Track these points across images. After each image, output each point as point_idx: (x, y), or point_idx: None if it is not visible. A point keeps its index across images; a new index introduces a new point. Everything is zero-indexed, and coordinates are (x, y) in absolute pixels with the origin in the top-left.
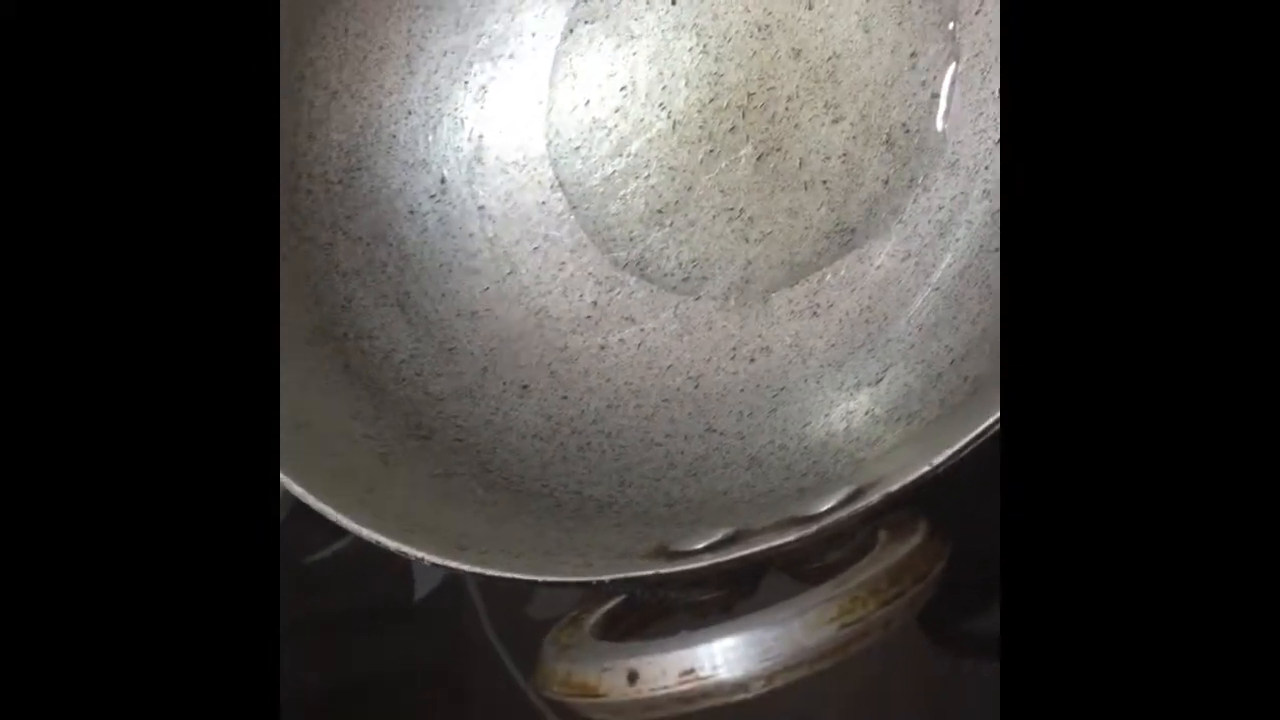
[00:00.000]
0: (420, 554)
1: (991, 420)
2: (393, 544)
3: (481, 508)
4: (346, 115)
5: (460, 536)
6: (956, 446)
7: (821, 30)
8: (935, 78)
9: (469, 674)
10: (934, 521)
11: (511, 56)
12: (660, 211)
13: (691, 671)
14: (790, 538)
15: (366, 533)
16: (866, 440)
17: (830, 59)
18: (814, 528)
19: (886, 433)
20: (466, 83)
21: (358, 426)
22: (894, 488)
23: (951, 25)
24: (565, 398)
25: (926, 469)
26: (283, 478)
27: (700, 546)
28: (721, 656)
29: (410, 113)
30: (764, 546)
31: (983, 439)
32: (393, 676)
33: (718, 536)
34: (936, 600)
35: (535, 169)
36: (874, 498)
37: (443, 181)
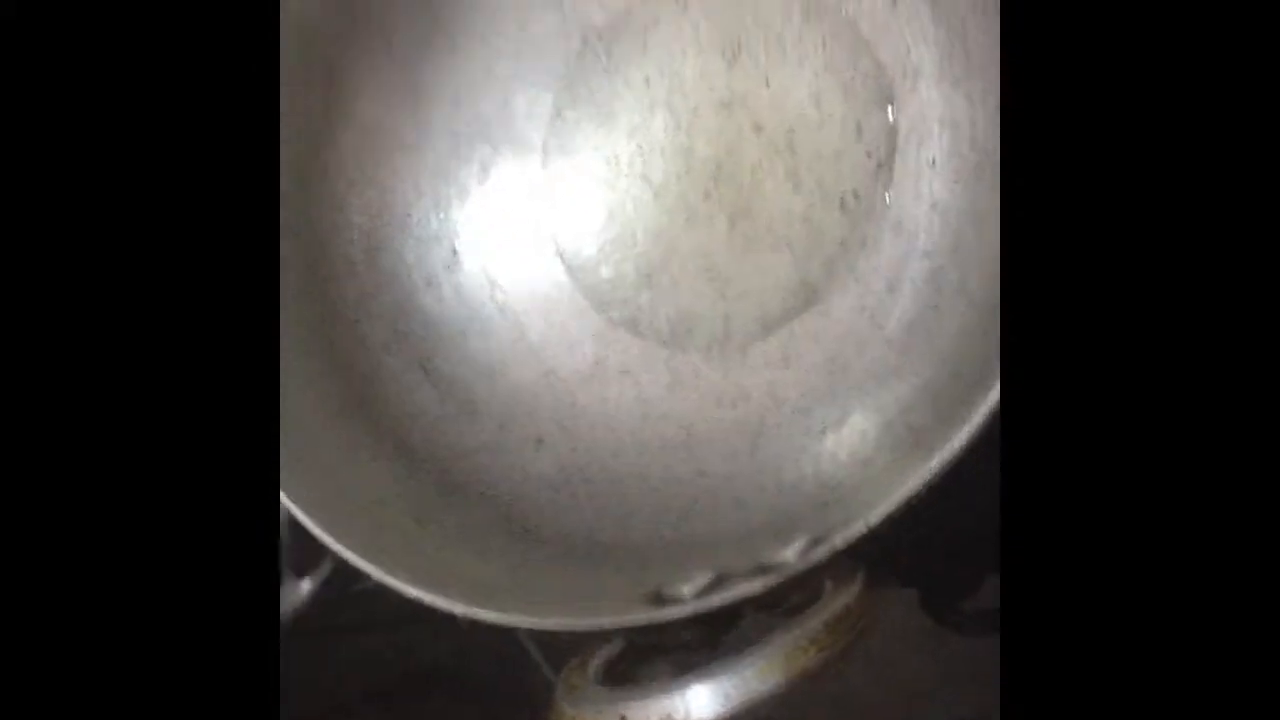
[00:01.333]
0: (453, 607)
1: (922, 479)
2: (428, 597)
3: (500, 557)
4: (365, 200)
5: (486, 587)
6: (890, 505)
7: (778, 106)
8: (878, 148)
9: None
10: (870, 570)
11: (507, 137)
12: (648, 275)
13: (669, 717)
14: (757, 587)
15: (411, 592)
16: (829, 484)
17: (788, 132)
18: (776, 579)
19: (845, 478)
20: (469, 161)
21: (393, 489)
22: (839, 544)
23: (889, 104)
24: (575, 449)
25: (863, 528)
26: (332, 543)
27: (687, 593)
28: (694, 702)
29: (421, 193)
30: (736, 595)
31: (915, 497)
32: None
33: (703, 582)
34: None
35: (536, 239)
36: (822, 552)
37: (454, 253)
